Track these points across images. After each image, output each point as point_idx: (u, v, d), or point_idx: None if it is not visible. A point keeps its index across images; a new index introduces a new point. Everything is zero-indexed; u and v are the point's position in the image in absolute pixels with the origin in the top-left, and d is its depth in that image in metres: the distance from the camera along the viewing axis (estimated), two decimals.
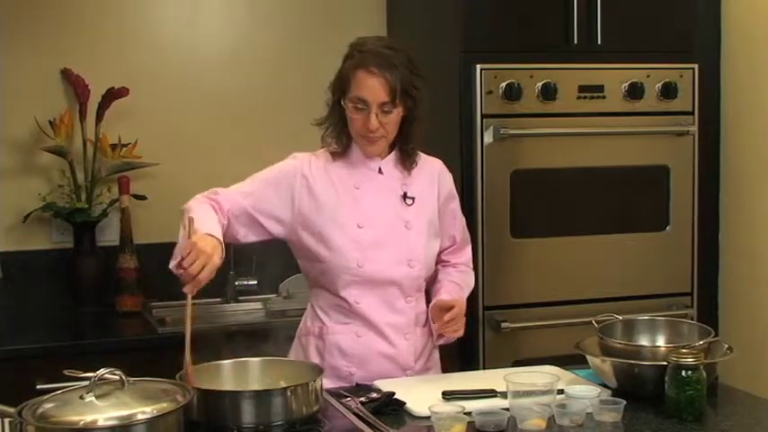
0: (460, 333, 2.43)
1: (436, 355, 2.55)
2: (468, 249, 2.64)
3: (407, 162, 2.45)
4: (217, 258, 2.13)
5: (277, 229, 2.41)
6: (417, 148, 2.47)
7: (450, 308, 2.38)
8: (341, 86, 2.37)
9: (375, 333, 2.41)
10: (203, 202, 2.35)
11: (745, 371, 2.84)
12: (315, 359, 2.40)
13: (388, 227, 2.41)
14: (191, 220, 2.15)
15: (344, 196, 2.40)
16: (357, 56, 2.34)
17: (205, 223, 2.21)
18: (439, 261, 2.56)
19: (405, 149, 2.44)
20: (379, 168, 2.44)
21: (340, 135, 2.42)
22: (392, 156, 2.45)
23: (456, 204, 2.57)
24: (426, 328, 2.50)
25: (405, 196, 2.44)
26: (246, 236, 2.41)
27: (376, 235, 2.39)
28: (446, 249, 2.57)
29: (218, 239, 2.18)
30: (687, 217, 3.43)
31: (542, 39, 3.30)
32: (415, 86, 2.35)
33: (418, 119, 2.40)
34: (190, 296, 2.08)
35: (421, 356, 2.48)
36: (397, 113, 2.35)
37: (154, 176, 3.55)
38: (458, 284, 2.53)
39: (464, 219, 2.62)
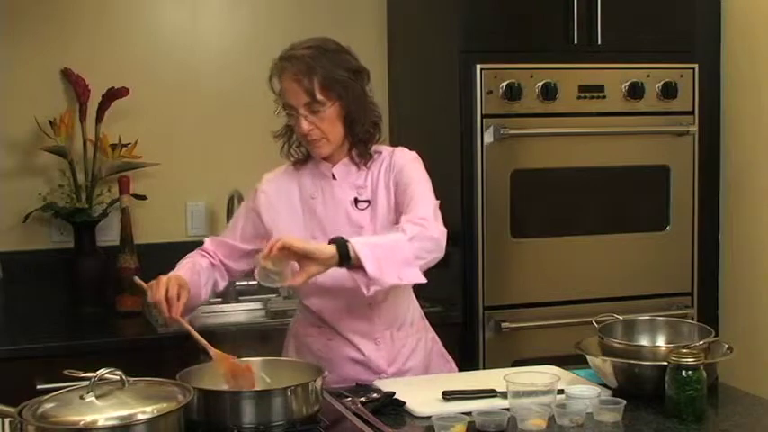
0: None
1: (419, 356, 2.50)
2: (428, 205, 2.30)
3: (359, 160, 2.43)
4: (172, 274, 2.30)
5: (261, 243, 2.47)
6: (370, 142, 2.43)
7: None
8: (279, 99, 2.40)
9: (342, 339, 2.43)
10: (188, 257, 2.50)
11: (745, 371, 2.84)
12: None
13: (341, 234, 2.36)
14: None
15: (303, 208, 2.44)
16: (273, 67, 2.38)
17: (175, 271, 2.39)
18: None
19: (355, 144, 2.42)
20: (333, 175, 2.43)
21: (296, 145, 2.47)
22: (345, 158, 2.44)
23: (404, 176, 2.37)
24: (403, 331, 2.48)
25: (356, 201, 2.42)
26: (249, 264, 2.51)
27: None
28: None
29: (175, 275, 2.33)
30: (687, 217, 3.43)
31: (542, 39, 3.30)
32: (341, 81, 2.33)
33: (358, 112, 2.37)
34: (183, 321, 2.22)
35: (396, 360, 2.46)
36: (328, 111, 2.33)
37: (154, 176, 3.55)
38: (394, 229, 2.23)
39: (423, 188, 2.36)
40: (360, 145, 2.42)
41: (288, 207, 2.45)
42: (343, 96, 2.34)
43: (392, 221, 2.38)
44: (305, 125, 2.33)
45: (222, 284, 2.53)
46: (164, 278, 2.27)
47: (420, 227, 2.22)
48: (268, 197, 2.47)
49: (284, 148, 2.48)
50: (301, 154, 2.47)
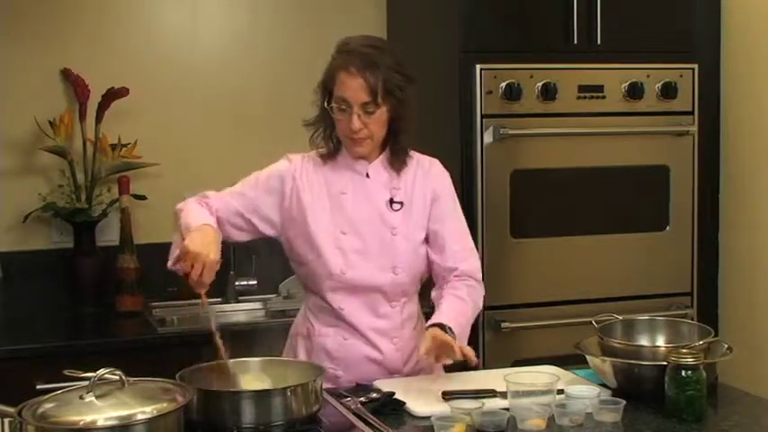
0: (445, 361, 2.29)
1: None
2: (474, 260, 2.50)
3: (396, 163, 2.43)
4: (212, 255, 2.16)
5: (269, 230, 2.44)
6: (408, 149, 2.44)
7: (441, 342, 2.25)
8: (326, 88, 2.37)
9: (360, 337, 2.41)
10: (194, 202, 2.38)
11: (745, 371, 2.84)
12: (303, 359, 2.41)
13: (373, 233, 2.39)
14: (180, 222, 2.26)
15: (331, 202, 2.40)
16: (338, 57, 2.35)
17: (197, 217, 2.27)
18: (443, 269, 2.46)
19: (394, 150, 2.43)
20: (367, 173, 2.42)
21: (329, 137, 2.42)
22: (381, 158, 2.43)
23: (454, 205, 2.49)
24: (416, 331, 2.48)
25: (391, 201, 2.42)
26: (240, 236, 2.44)
27: (360, 242, 2.38)
28: (436, 252, 2.46)
29: (213, 227, 2.25)
30: (687, 217, 3.43)
31: (542, 39, 3.30)
32: (399, 86, 2.33)
33: (405, 119, 2.38)
34: (203, 295, 2.20)
35: (410, 360, 2.46)
36: (380, 113, 2.33)
37: (154, 176, 3.55)
38: (462, 299, 2.40)
39: (464, 225, 2.52)
40: (398, 152, 2.42)
41: (315, 200, 2.40)
42: (398, 102, 2.35)
43: (424, 227, 2.42)
44: (357, 123, 2.31)
45: None
46: (199, 255, 2.14)
47: (476, 292, 2.46)
48: (300, 186, 2.41)
49: (314, 138, 2.43)
50: (332, 147, 2.43)
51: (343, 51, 2.34)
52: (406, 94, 2.36)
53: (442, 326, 2.28)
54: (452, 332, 2.27)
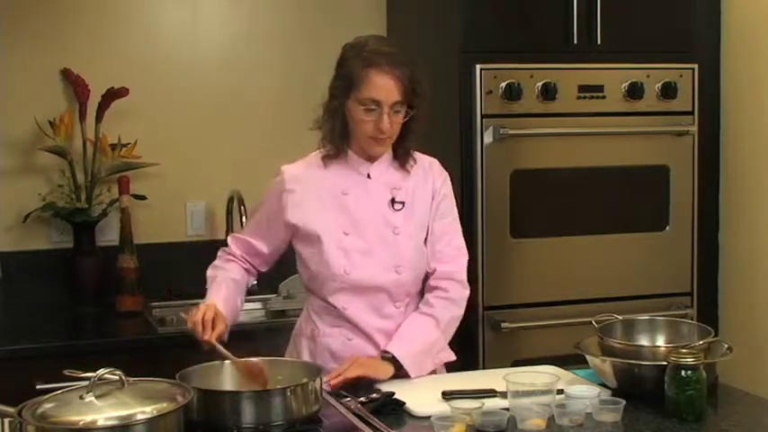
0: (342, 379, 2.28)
1: None
2: (460, 260, 2.51)
3: (403, 162, 2.44)
4: (209, 307, 2.29)
5: (284, 243, 2.50)
6: (411, 149, 2.45)
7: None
8: (347, 88, 2.34)
9: (364, 338, 2.42)
10: (216, 267, 2.51)
11: (745, 371, 2.84)
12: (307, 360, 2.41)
13: (376, 233, 2.40)
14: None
15: (332, 203, 2.41)
16: (365, 56, 2.32)
17: (206, 298, 2.41)
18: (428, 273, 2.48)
19: (403, 149, 2.43)
20: (368, 173, 2.43)
21: (339, 138, 2.41)
22: (384, 159, 2.44)
23: (445, 205, 2.49)
24: None
25: (393, 201, 2.42)
26: (276, 254, 2.54)
27: (363, 242, 2.39)
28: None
29: (214, 304, 2.33)
30: (687, 217, 3.43)
31: (542, 39, 3.30)
32: (424, 88, 2.36)
33: (418, 119, 2.39)
34: (217, 344, 2.22)
35: None
36: (405, 113, 2.35)
37: (154, 176, 3.55)
38: (431, 317, 2.43)
39: (456, 226, 2.52)
40: (403, 152, 2.43)
41: (316, 203, 2.41)
42: (419, 105, 2.37)
43: (425, 226, 2.44)
44: (387, 123, 2.31)
45: (252, 282, 2.59)
46: (202, 305, 2.30)
47: (451, 303, 2.46)
48: (294, 195, 2.42)
49: (324, 140, 2.42)
50: (335, 148, 2.42)
51: (368, 51, 2.33)
52: (427, 99, 2.38)
53: (386, 352, 2.37)
54: (396, 361, 2.34)
